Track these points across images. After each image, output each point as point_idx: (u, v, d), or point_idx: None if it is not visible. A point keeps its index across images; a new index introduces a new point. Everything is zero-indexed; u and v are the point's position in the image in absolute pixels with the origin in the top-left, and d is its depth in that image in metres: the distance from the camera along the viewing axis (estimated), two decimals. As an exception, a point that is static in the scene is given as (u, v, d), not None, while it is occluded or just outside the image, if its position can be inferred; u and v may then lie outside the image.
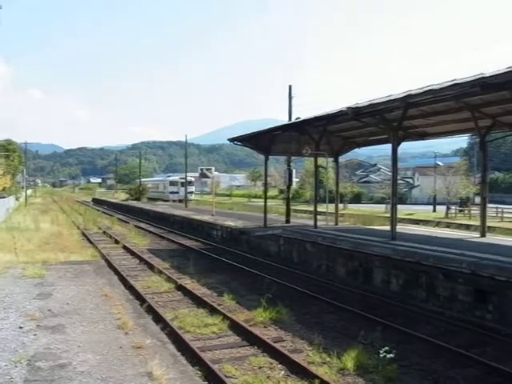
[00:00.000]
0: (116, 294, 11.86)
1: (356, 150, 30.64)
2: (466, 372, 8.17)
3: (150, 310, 11.35)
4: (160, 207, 50.92)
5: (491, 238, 17.90)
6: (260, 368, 8.20)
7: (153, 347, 8.10)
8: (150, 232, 31.54)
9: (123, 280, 14.85)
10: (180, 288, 14.11)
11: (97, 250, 20.92)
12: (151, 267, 17.50)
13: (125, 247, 23.12)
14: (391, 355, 8.12)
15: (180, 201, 65.15)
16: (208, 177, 45.83)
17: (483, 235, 18.11)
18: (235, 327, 10.31)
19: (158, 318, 10.67)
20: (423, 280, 12.96)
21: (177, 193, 74.08)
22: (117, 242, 25.11)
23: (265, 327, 10.57)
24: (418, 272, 13.11)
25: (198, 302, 12.53)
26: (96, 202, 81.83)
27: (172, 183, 79.23)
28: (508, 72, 11.37)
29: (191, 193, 72.23)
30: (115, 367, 6.95)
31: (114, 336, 8.43)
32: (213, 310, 11.47)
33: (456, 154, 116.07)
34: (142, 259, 19.51)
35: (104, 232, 30.29)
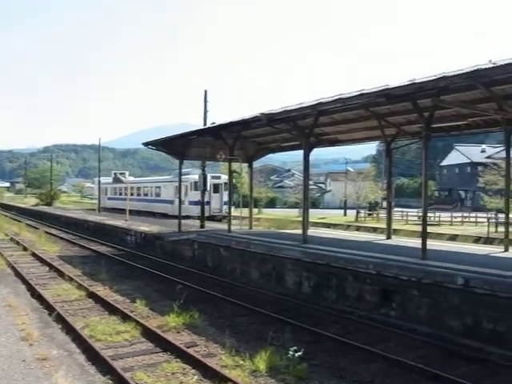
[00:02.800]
0: (21, 304, 11.39)
1: (270, 155, 31.34)
2: (371, 366, 8.60)
3: (59, 319, 10.98)
4: (72, 212, 49.17)
5: (396, 240, 18.85)
6: (173, 374, 8.17)
7: (59, 358, 7.87)
8: (62, 238, 30.39)
9: (31, 289, 14.26)
10: (91, 295, 13.75)
11: (2, 258, 19.92)
12: (61, 274, 16.89)
13: (34, 254, 22.14)
14: (300, 353, 8.35)
15: (215, 217, 37.85)
16: (122, 181, 43.65)
17: (389, 237, 19.04)
18: (148, 334, 10.21)
19: (67, 328, 10.35)
20: (333, 281, 13.45)
21: (205, 204, 35.70)
22: (25, 249, 23.98)
23: (178, 332, 10.54)
24: (328, 274, 13.60)
25: (110, 309, 12.27)
26: (3, 207, 77.48)
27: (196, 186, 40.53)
28: (409, 84, 12.08)
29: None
30: (16, 382, 6.66)
31: (16, 349, 8.09)
32: (125, 317, 11.28)
33: (366, 160, 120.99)
34: (51, 266, 18.77)
35: (11, 239, 28.84)
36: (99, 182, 57.21)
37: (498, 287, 9.80)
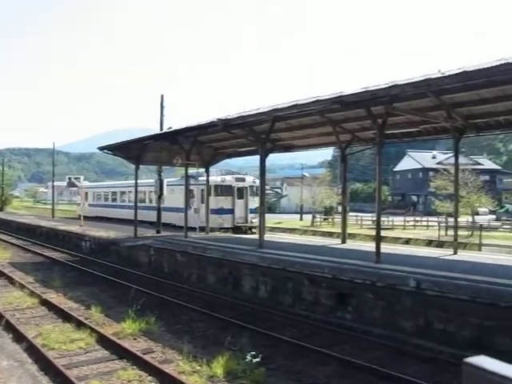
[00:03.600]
0: (-33, 314, 11.00)
1: (227, 160, 31.36)
2: (327, 369, 8.74)
3: (10, 328, 10.69)
4: (25, 217, 47.85)
5: (351, 244, 19.21)
6: (129, 382, 8.07)
7: (9, 369, 7.66)
8: (13, 244, 29.51)
9: (-21, 298, 13.82)
10: (45, 303, 13.43)
11: None
12: (13, 282, 16.43)
13: (-18, 262, 21.44)
14: (258, 359, 8.41)
15: (240, 229, 30.87)
16: (76, 186, 41.75)
17: (344, 242, 19.37)
18: (103, 341, 10.06)
19: (19, 337, 10.08)
20: (290, 286, 13.58)
21: (228, 212, 31.47)
22: (-28, 256, 23.20)
23: (134, 339, 10.43)
24: (284, 278, 13.73)
25: (64, 316, 12.02)
26: None
27: (221, 189, 31.79)
28: (363, 92, 12.39)
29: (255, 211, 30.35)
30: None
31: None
32: (80, 325, 11.08)
33: (322, 165, 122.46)
34: (2, 274, 18.22)
35: (-43, 246, 27.84)
36: (53, 186, 55.81)
37: (447, 289, 10.14)
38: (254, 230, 29.46)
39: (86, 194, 49.33)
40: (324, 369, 8.74)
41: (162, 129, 28.36)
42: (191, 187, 29.38)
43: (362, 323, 11.38)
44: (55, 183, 57.46)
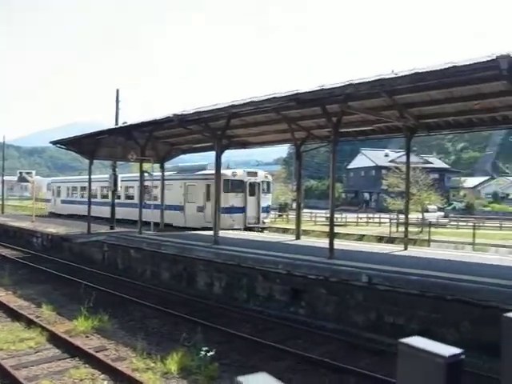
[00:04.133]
0: None
1: (183, 156, 31.12)
2: (280, 364, 8.85)
3: (-45, 328, 10.36)
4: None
5: (305, 241, 19.45)
6: (81, 380, 7.95)
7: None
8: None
9: None
10: (-8, 301, 13.05)
11: None
12: (-43, 280, 15.90)
13: None
14: (212, 353, 8.43)
15: (252, 230, 27.54)
16: (28, 181, 39.64)
17: (298, 238, 19.58)
18: (55, 339, 9.86)
19: (-36, 337, 9.78)
20: (244, 282, 13.66)
21: (239, 211, 27.90)
22: None
23: (87, 337, 10.28)
24: (239, 274, 13.80)
25: (14, 315, 11.72)
26: None
27: (231, 184, 27.91)
28: (318, 90, 12.54)
29: (267, 210, 30.17)
30: None
31: None
32: (30, 323, 10.83)
33: (277, 162, 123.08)
34: None
35: None
36: (3, 181, 54.03)
37: (397, 283, 10.43)
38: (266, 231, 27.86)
39: (59, 189, 44.90)
40: (278, 364, 8.85)
41: (117, 123, 27.95)
42: (192, 182, 28.54)
43: (316, 318, 11.56)
44: (5, 178, 55.61)
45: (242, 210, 27.38)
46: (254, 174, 29.14)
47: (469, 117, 15.47)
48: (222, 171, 23.08)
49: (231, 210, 26.64)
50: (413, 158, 36.09)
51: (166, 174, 27.24)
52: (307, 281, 11.96)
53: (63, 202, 43.47)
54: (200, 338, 9.66)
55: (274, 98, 13.72)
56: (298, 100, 13.69)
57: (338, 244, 15.49)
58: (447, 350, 1.69)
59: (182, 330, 10.49)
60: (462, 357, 2.11)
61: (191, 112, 16.51)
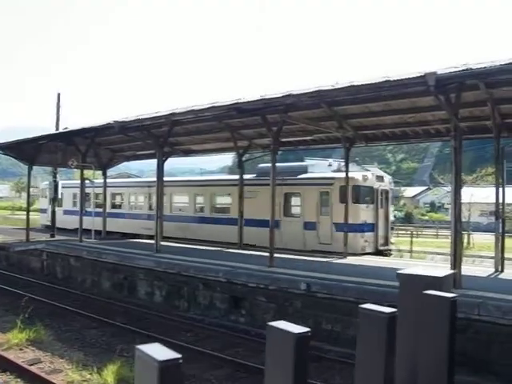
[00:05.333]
0: None
1: (127, 163, 30.71)
2: (219, 372, 8.89)
3: None
4: None
5: (247, 249, 19.52)
6: (12, 395, 7.73)
7: None
8: None
9: None
10: None
11: None
12: None
13: None
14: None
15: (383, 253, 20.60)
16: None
17: (241, 247, 19.64)
18: (-15, 353, 9.50)
19: None
20: (185, 290, 13.63)
21: (370, 228, 20.40)
22: None
23: (21, 350, 9.95)
24: (180, 283, 13.75)
25: None
26: None
27: (361, 192, 20.25)
28: (259, 100, 12.75)
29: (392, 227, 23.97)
30: None
31: None
32: (-42, 337, 10.39)
33: (222, 170, 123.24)
34: None
35: None
36: None
37: (335, 291, 10.67)
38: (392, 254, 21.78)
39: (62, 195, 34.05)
40: (217, 372, 8.88)
41: (57, 129, 27.32)
42: (294, 189, 21.21)
43: (255, 326, 11.65)
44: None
45: (372, 227, 20.32)
46: (382, 179, 22.29)
47: (404, 129, 16.08)
48: (351, 174, 18.92)
49: (363, 227, 19.68)
50: (354, 168, 36.95)
51: (246, 177, 21.88)
52: (247, 289, 12.06)
53: (67, 212, 33.53)
54: (139, 348, 9.56)
55: (215, 106, 13.82)
56: (239, 109, 13.84)
57: (279, 252, 15.63)
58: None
59: (121, 340, 10.35)
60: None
61: (132, 119, 16.37)
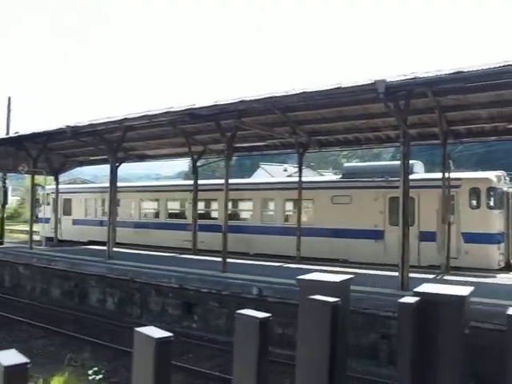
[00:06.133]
0: None
1: (81, 168, 30.13)
2: (171, 378, 8.79)
3: None
4: None
5: (202, 255, 19.40)
6: None
7: None
8: None
9: None
10: None
11: None
12: None
13: None
14: (100, 376, 8.25)
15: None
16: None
17: (195, 253, 19.52)
18: None
19: None
20: (137, 297, 13.47)
21: (501, 239, 16.58)
22: None
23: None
24: (132, 289, 13.59)
25: None
26: None
27: (493, 196, 16.55)
28: (212, 106, 12.78)
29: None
30: None
31: None
32: None
33: (179, 175, 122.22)
34: None
35: None
36: None
37: (287, 295, 10.76)
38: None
39: (68, 201, 29.49)
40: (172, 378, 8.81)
41: (8, 133, 26.59)
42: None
43: (208, 331, 11.65)
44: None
45: (502, 236, 16.84)
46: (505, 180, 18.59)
47: (356, 135, 16.39)
48: (484, 174, 17.34)
49: (498, 237, 16.45)
50: (309, 173, 37.32)
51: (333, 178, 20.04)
52: (200, 294, 12.03)
53: (77, 222, 28.95)
54: (88, 356, 9.42)
55: (169, 112, 13.76)
56: (193, 115, 13.82)
57: (232, 257, 15.62)
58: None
59: (70, 349, 10.14)
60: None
61: (85, 124, 16.13)
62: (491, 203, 16.24)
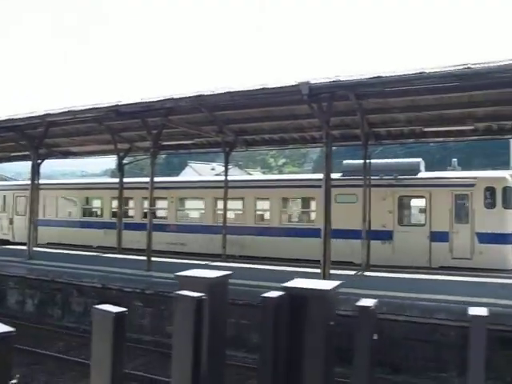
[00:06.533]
0: None
1: (2, 165, 28.94)
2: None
3: None
4: None
5: (126, 254, 19.06)
6: None
7: None
8: None
9: None
10: None
11: None
12: None
13: None
14: (14, 381, 7.96)
15: None
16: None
17: (120, 252, 19.14)
18: None
19: None
20: (59, 298, 13.11)
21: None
22: None
23: None
24: (53, 290, 13.20)
25: None
26: None
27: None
28: (138, 103, 12.67)
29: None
30: None
31: None
32: None
33: (106, 173, 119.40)
34: None
35: None
36: None
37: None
38: None
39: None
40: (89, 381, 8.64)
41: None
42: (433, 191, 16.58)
43: (132, 331, 11.45)
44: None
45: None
46: None
47: (282, 135, 16.68)
48: (498, 173, 17.20)
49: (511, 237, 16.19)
50: (236, 171, 37.61)
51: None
52: (123, 294, 11.86)
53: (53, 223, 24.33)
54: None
55: (94, 108, 13.53)
56: (118, 112, 13.60)
57: (157, 256, 15.46)
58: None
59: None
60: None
61: (4, 119, 15.52)
62: (507, 203, 15.97)
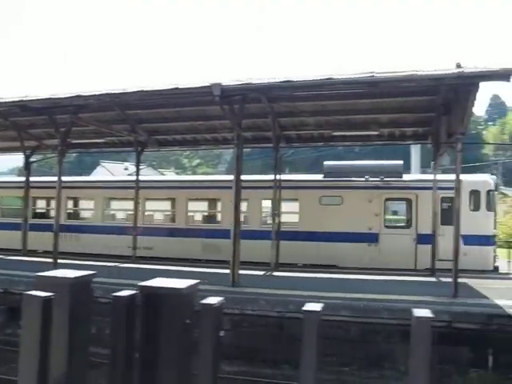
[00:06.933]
0: None
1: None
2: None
3: None
4: None
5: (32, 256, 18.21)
6: None
7: None
8: None
9: None
10: None
11: None
12: None
13: None
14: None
15: None
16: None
17: (25, 254, 18.26)
18: None
19: None
20: None
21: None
22: None
23: None
24: None
25: None
26: None
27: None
28: (45, 99, 12.23)
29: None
30: None
31: None
32: None
33: (12, 171, 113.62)
34: None
35: None
36: None
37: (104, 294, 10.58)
38: None
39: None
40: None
41: None
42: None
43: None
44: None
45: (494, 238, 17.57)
46: None
47: (195, 135, 16.71)
48: (482, 177, 17.65)
49: (493, 239, 17.10)
50: (149, 172, 37.08)
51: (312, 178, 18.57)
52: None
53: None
54: None
55: (-1, 102, 12.87)
56: (24, 107, 13.07)
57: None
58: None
59: None
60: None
61: None
62: (489, 205, 16.34)
